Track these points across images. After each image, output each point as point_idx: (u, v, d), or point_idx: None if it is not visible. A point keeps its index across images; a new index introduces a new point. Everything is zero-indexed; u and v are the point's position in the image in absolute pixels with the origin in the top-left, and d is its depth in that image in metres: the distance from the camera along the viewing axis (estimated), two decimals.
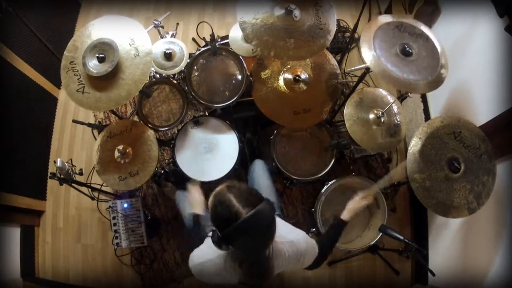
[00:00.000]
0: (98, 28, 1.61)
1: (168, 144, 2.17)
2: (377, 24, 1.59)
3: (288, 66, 1.89)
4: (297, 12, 1.56)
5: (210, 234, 1.24)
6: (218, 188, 1.06)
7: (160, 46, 1.88)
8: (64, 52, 1.60)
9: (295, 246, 1.22)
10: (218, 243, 1.04)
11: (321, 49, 1.62)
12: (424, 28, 1.62)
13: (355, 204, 1.54)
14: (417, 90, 1.53)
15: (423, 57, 1.55)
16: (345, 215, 1.50)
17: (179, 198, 1.82)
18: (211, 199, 1.06)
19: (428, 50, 1.57)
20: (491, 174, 1.51)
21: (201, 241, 1.33)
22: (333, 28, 1.60)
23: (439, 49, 1.58)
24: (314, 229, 1.97)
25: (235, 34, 1.89)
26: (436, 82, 1.53)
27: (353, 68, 2.55)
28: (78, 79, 1.57)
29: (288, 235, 1.23)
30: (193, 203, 1.57)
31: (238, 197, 0.99)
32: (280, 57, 1.61)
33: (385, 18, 1.62)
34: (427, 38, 1.59)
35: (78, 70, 1.58)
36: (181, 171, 1.81)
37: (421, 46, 1.57)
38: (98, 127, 1.99)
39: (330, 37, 1.59)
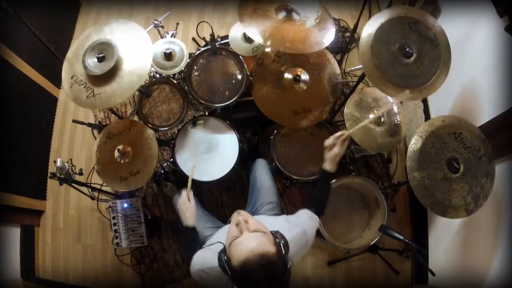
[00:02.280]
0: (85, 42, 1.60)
1: (168, 144, 2.17)
2: (389, 14, 1.49)
3: (288, 66, 1.89)
4: (296, 15, 1.57)
5: (211, 240, 1.24)
6: (249, 253, 0.98)
7: (160, 46, 1.88)
8: (62, 74, 1.58)
9: (298, 240, 1.22)
10: (224, 270, 1.04)
11: (320, 47, 1.61)
12: (438, 32, 1.50)
13: (335, 151, 1.38)
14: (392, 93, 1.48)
15: (420, 65, 1.47)
16: (327, 166, 1.39)
17: (177, 201, 1.82)
18: (237, 257, 0.99)
19: (430, 58, 1.48)
20: (490, 176, 1.51)
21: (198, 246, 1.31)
22: (330, 38, 1.61)
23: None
24: None
25: (235, 34, 1.89)
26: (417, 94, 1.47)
27: (353, 68, 2.57)
28: (84, 86, 1.55)
29: (289, 234, 1.21)
30: (185, 215, 1.43)
31: (268, 277, 0.97)
32: (277, 47, 1.58)
33: (400, 11, 1.50)
34: (436, 46, 1.48)
35: (81, 79, 1.56)
36: (181, 171, 1.81)
37: (425, 52, 1.47)
38: (98, 127, 1.99)
39: (327, 42, 1.59)
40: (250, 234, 1.03)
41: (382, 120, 1.81)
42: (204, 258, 1.22)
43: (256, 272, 0.96)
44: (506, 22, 1.52)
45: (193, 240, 1.42)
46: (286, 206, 2.33)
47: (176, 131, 1.96)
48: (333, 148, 1.39)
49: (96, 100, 1.52)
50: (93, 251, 2.35)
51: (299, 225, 1.26)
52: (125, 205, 2.12)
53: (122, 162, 1.74)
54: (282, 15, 1.61)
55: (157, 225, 2.31)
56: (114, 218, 2.13)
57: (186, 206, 1.43)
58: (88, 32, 1.62)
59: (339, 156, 1.39)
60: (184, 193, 1.46)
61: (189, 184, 1.46)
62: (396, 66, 1.46)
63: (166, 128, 1.89)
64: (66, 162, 1.67)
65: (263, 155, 1.96)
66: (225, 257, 1.05)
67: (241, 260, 0.98)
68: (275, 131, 1.96)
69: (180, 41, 1.91)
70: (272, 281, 0.99)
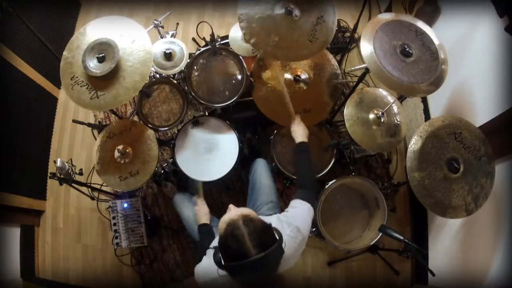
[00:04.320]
0: (86, 38, 1.60)
1: (168, 144, 2.17)
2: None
3: (288, 66, 1.89)
4: (297, 12, 1.55)
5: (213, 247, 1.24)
6: (233, 216, 1.02)
7: (160, 46, 1.88)
8: (60, 73, 1.57)
9: (296, 236, 1.22)
10: (219, 264, 1.04)
11: (300, 59, 1.59)
12: (439, 49, 1.58)
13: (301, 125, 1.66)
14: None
15: (416, 67, 1.54)
16: (300, 138, 1.62)
17: (177, 202, 1.83)
18: (222, 225, 1.02)
19: (427, 67, 1.54)
20: (490, 176, 1.51)
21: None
22: (323, 46, 1.58)
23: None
24: (314, 229, 1.97)
25: (235, 34, 1.89)
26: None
27: (353, 68, 2.57)
28: (86, 88, 1.55)
29: (283, 233, 1.21)
30: (200, 215, 1.66)
31: (252, 235, 0.97)
32: (258, 48, 1.55)
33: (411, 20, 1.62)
34: (436, 58, 1.55)
35: (82, 81, 1.55)
36: (181, 171, 1.81)
37: (423, 59, 1.54)
38: (98, 127, 1.99)
39: (316, 52, 1.57)
40: (236, 209, 1.09)
41: (382, 120, 1.81)
42: (206, 268, 1.23)
43: (240, 229, 0.97)
44: (506, 22, 1.52)
45: (208, 233, 1.58)
46: (286, 206, 2.32)
47: (176, 131, 1.96)
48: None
49: (100, 101, 1.52)
50: (93, 251, 2.35)
51: (292, 222, 1.26)
52: (125, 205, 2.12)
53: (122, 162, 1.75)
54: (278, 10, 1.54)
55: (157, 225, 2.31)
56: (114, 218, 2.13)
57: (201, 208, 1.69)
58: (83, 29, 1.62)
59: (294, 132, 1.65)
60: (196, 198, 1.75)
61: (201, 191, 1.78)
62: (394, 57, 1.52)
63: (166, 128, 1.89)
64: (66, 162, 1.67)
65: (263, 155, 1.96)
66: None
67: (226, 223, 1.01)
68: (275, 131, 1.96)
69: (180, 41, 1.91)
70: (257, 242, 0.97)
